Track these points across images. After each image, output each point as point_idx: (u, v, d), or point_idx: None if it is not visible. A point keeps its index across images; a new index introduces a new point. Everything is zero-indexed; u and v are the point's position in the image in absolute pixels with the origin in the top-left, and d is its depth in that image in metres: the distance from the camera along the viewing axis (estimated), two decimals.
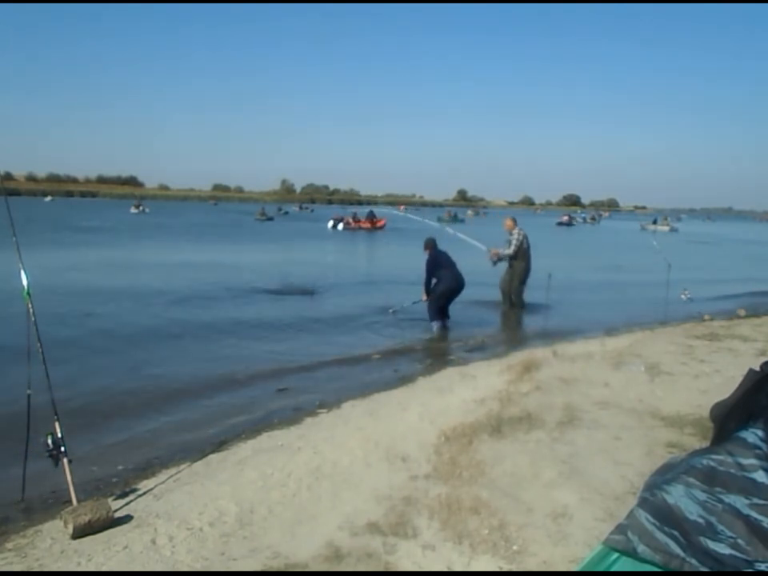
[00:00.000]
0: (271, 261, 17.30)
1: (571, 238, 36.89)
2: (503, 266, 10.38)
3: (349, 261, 19.28)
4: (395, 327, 8.70)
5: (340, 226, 35.81)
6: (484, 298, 10.63)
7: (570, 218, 60.67)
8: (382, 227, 36.22)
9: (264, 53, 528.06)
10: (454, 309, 8.82)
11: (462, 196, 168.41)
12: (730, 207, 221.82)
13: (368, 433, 4.17)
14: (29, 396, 3.29)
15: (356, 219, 37.02)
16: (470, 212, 77.08)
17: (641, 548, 1.13)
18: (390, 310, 9.31)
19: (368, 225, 36.27)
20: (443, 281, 8.35)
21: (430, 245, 8.64)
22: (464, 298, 8.81)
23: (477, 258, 10.27)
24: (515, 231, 10.23)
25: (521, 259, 10.14)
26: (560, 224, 53.71)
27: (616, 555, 1.18)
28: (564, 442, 3.74)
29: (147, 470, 3.92)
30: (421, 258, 8.85)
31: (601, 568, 1.18)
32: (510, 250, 10.08)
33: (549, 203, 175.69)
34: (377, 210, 40.87)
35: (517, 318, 9.96)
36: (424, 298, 8.57)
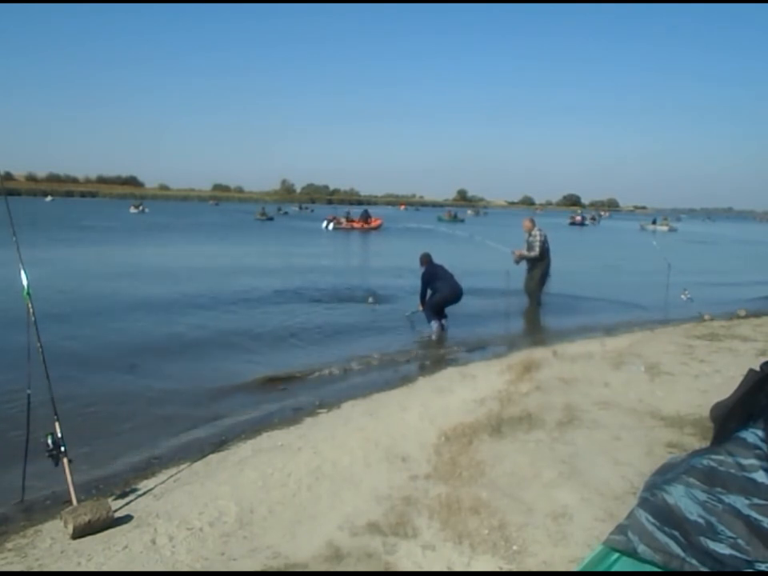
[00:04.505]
0: (261, 261, 17.32)
1: (583, 238, 36.66)
2: (525, 264, 10.50)
3: (333, 260, 19.05)
4: (394, 327, 8.71)
5: (330, 226, 34.08)
6: (484, 297, 10.64)
7: (583, 218, 60.57)
8: (377, 228, 34.37)
9: (265, 53, 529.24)
10: (455, 309, 8.82)
11: (462, 196, 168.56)
12: (730, 207, 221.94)
13: (368, 433, 4.17)
14: (29, 396, 3.29)
15: (348, 219, 35.41)
16: (470, 212, 77.20)
17: (641, 548, 1.14)
18: (406, 314, 9.27)
19: (361, 225, 34.43)
20: (439, 291, 8.51)
21: (426, 259, 8.79)
22: (465, 298, 8.80)
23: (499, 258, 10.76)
24: (535, 232, 10.22)
25: (543, 259, 10.23)
26: (572, 224, 53.75)
27: (616, 555, 1.18)
28: (564, 442, 3.73)
29: (147, 469, 3.91)
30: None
31: (601, 568, 1.18)
32: (536, 252, 10.12)
33: (549, 203, 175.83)
34: (378, 209, 40.01)
35: (530, 317, 10.00)
36: (420, 308, 8.75)
